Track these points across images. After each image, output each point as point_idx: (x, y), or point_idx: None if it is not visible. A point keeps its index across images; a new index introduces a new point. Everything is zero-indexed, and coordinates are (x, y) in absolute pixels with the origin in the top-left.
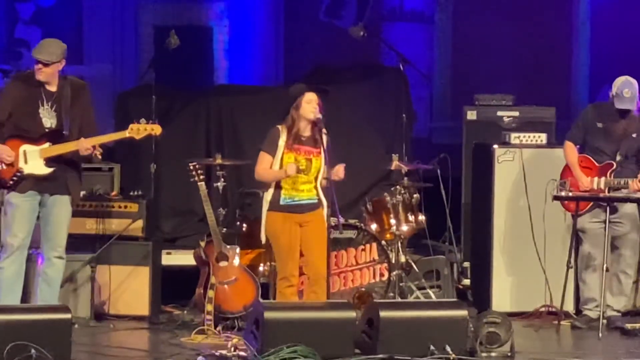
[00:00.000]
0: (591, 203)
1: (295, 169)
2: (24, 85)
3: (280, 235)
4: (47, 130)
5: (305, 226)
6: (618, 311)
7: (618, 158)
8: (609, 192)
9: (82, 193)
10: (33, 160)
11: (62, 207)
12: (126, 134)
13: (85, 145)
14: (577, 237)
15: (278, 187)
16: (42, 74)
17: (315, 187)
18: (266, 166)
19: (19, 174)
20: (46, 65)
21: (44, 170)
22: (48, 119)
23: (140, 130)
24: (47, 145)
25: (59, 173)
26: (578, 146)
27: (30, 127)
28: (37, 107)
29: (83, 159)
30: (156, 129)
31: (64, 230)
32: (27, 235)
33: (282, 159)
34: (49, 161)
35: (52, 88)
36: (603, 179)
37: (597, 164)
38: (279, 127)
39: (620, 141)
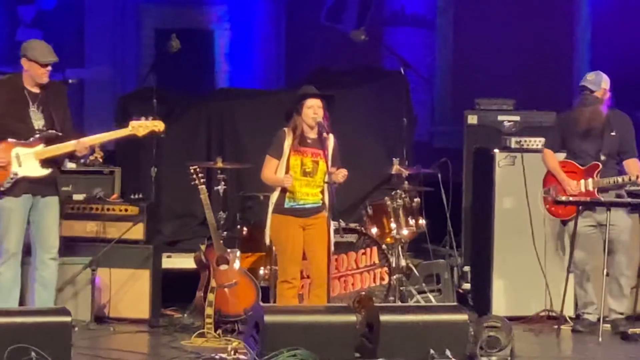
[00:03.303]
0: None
1: (291, 181)
2: (8, 88)
3: (283, 238)
4: (37, 131)
5: (308, 229)
6: (621, 314)
7: (602, 158)
8: (598, 192)
9: (83, 196)
10: (27, 162)
11: (53, 208)
12: (127, 131)
13: (85, 144)
14: (571, 242)
15: (283, 190)
16: (48, 77)
17: (322, 192)
18: (271, 170)
19: (13, 177)
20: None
21: (40, 172)
22: (36, 120)
23: (142, 127)
24: (41, 146)
25: (53, 174)
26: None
27: (20, 129)
28: (26, 109)
29: (72, 158)
30: (159, 125)
31: (57, 232)
32: (22, 239)
33: (288, 161)
34: (44, 163)
35: (36, 89)
36: (590, 180)
37: (580, 167)
38: (285, 129)
39: (600, 139)
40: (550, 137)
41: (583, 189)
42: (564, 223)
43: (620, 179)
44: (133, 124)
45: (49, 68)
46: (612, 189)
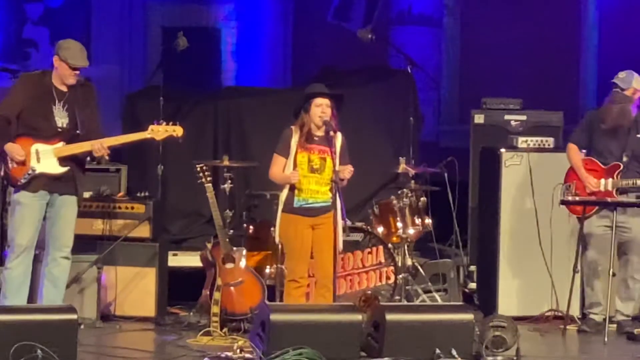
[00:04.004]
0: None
1: (297, 177)
2: (35, 84)
3: (293, 237)
4: (59, 129)
5: (317, 229)
6: (627, 316)
7: (624, 159)
8: (617, 193)
9: (89, 194)
10: (46, 159)
11: (70, 207)
12: (146, 134)
13: (104, 145)
14: (583, 241)
15: (292, 188)
16: (76, 79)
17: (330, 190)
18: (279, 168)
19: (30, 172)
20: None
21: (58, 169)
22: (60, 118)
23: (160, 131)
24: (60, 144)
25: (70, 173)
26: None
27: (42, 126)
28: (50, 106)
29: (92, 159)
30: (178, 131)
31: (71, 231)
32: (35, 236)
33: (295, 158)
34: (62, 160)
35: (64, 88)
36: (610, 180)
37: (603, 166)
38: (292, 127)
39: (625, 139)
40: (577, 133)
41: (602, 189)
42: (580, 221)
43: (639, 182)
44: (153, 127)
45: (78, 72)
46: (631, 190)
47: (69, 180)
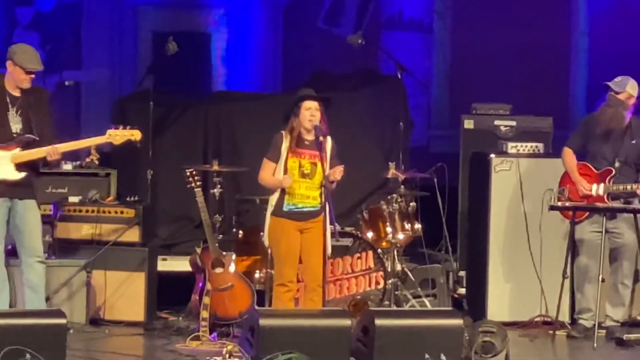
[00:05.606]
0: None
1: (290, 181)
2: None
3: (281, 241)
4: (14, 135)
5: (305, 233)
6: (617, 321)
7: (617, 164)
8: (608, 198)
9: (78, 198)
10: (3, 165)
11: (33, 211)
12: (104, 139)
13: (57, 150)
14: (574, 246)
15: (282, 192)
16: (30, 83)
17: (320, 195)
18: (268, 172)
19: None
20: (35, 74)
21: (15, 175)
22: (14, 124)
23: (119, 135)
24: (17, 150)
25: (27, 178)
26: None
27: None
28: (4, 112)
29: (45, 164)
30: (136, 135)
31: (39, 234)
32: (2, 242)
33: (285, 163)
34: (19, 166)
35: (16, 93)
36: (602, 185)
37: (595, 171)
38: (283, 132)
39: (619, 144)
40: (573, 136)
41: (594, 193)
42: (572, 225)
43: (629, 187)
44: (110, 132)
45: (33, 75)
46: (622, 196)
47: (27, 186)
